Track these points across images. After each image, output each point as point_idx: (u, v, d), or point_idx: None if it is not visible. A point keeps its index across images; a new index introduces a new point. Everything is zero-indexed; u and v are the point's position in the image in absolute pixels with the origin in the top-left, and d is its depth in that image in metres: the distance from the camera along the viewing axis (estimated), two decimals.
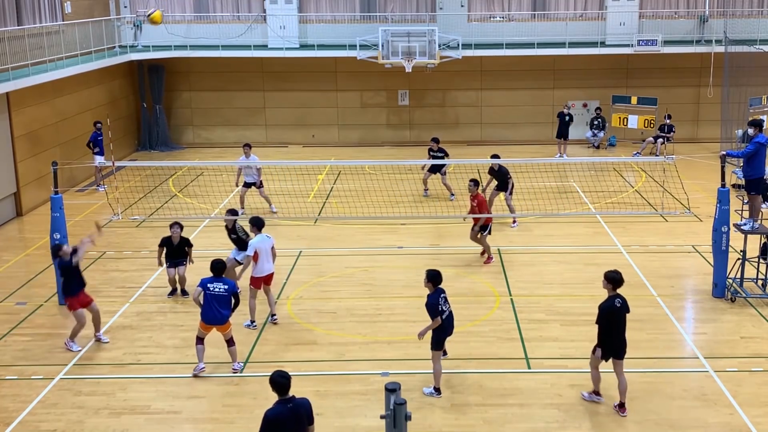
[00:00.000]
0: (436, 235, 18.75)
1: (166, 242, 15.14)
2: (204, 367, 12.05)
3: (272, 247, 13.63)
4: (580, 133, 29.47)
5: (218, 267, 11.95)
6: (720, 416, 10.69)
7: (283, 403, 7.89)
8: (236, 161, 20.88)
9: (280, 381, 7.91)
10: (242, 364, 12.24)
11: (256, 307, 13.76)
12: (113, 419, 10.84)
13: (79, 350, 12.98)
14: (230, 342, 12.08)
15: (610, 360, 10.78)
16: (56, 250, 13.27)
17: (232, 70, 29.65)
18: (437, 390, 11.31)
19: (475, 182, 16.51)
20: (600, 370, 11.00)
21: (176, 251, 15.17)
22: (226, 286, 11.83)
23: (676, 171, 18.13)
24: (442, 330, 11.14)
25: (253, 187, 20.33)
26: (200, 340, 12.07)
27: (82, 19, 25.27)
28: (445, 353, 11.83)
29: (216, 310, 11.79)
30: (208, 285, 11.82)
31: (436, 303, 11.06)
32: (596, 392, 11.07)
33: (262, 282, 13.59)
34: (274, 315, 13.89)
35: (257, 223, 13.63)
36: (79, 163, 23.79)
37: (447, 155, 21.37)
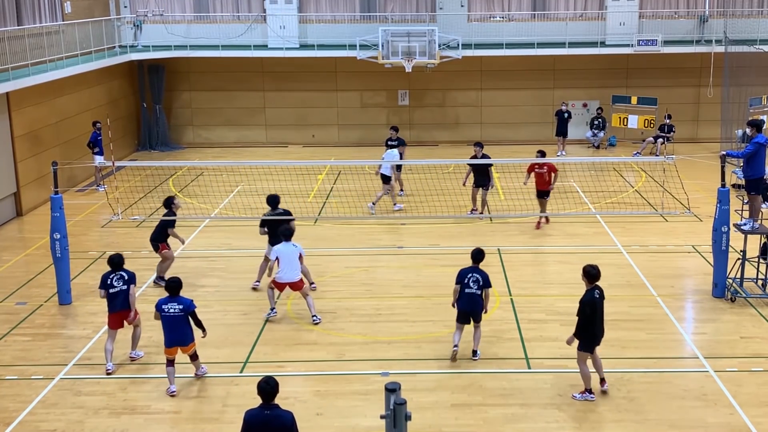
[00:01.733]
0: (436, 235, 18.76)
1: (172, 214, 15.43)
2: (175, 391, 11.42)
3: (300, 256, 13.64)
4: (581, 133, 29.49)
5: (173, 286, 11.35)
6: (720, 416, 10.69)
7: (262, 409, 8.00)
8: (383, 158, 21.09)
9: (263, 387, 8.01)
10: (205, 368, 11.89)
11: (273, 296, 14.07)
12: (113, 419, 10.84)
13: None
14: (193, 357, 11.62)
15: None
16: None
17: (232, 70, 29.65)
18: (454, 354, 12.20)
19: (542, 153, 18.68)
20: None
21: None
22: (180, 306, 11.26)
23: (676, 171, 18.11)
24: (459, 303, 12.12)
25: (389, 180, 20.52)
26: (169, 362, 11.46)
27: (82, 19, 25.27)
28: (476, 353, 12.36)
29: (173, 331, 11.25)
30: (163, 306, 11.29)
31: (463, 275, 12.07)
32: (588, 390, 11.09)
33: (284, 287, 13.73)
34: (315, 316, 13.82)
35: (284, 233, 13.75)
36: (79, 163, 23.79)
37: (405, 144, 21.46)
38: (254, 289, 15.34)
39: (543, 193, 18.79)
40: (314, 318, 13.76)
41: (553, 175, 18.59)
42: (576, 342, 11.05)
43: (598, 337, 10.98)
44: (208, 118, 30.36)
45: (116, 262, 12.47)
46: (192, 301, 11.46)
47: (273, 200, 15.19)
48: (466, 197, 20.04)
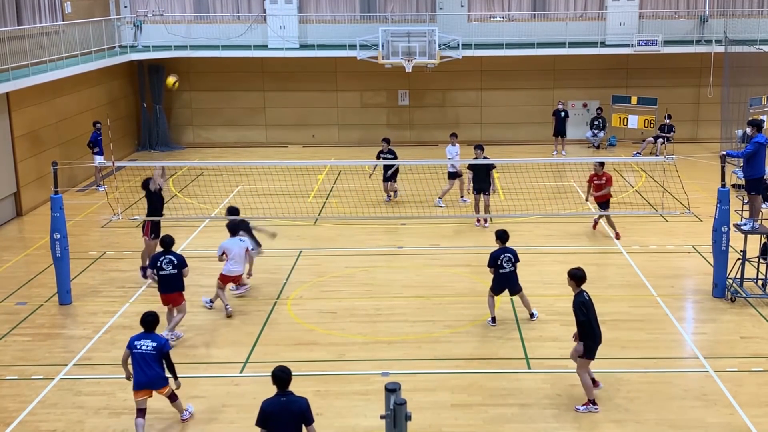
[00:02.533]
0: (436, 235, 18.75)
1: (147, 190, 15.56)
2: None
3: (246, 250, 14.35)
4: (581, 133, 29.50)
5: (149, 320, 10.26)
6: (720, 416, 10.69)
7: (278, 396, 8.38)
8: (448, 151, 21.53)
9: (279, 375, 8.39)
10: (190, 413, 10.80)
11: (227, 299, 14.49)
12: (113, 419, 10.84)
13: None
14: (172, 398, 10.50)
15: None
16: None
17: (232, 70, 29.66)
18: (493, 319, 13.55)
19: (602, 163, 18.12)
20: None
21: (159, 204, 15.61)
22: (154, 344, 10.12)
23: (676, 171, 18.10)
24: (496, 281, 13.42)
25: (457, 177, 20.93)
26: (140, 413, 10.19)
27: (82, 19, 25.27)
28: (533, 315, 13.75)
29: (144, 372, 10.06)
30: (135, 343, 10.13)
31: (496, 257, 13.31)
32: (591, 401, 10.84)
33: (229, 280, 14.39)
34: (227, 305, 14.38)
35: (230, 229, 14.50)
36: (79, 163, 23.80)
37: (396, 158, 20.76)
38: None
39: (600, 205, 18.23)
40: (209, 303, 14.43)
41: (608, 187, 18.05)
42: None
43: (599, 340, 10.76)
44: (208, 118, 30.36)
45: (167, 242, 12.99)
46: (168, 341, 10.46)
47: (232, 212, 15.52)
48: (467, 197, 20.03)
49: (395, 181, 21.22)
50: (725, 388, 11.38)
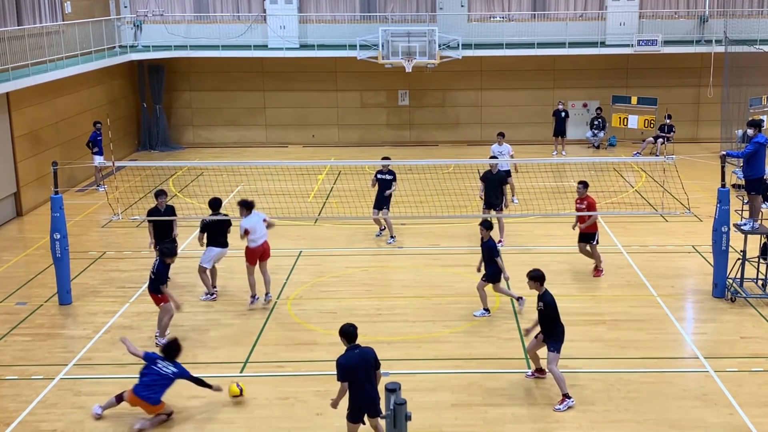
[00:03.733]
0: (436, 235, 18.76)
1: (153, 212, 15.27)
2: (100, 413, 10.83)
3: (265, 220, 14.39)
4: (581, 133, 29.49)
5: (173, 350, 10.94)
6: (720, 416, 10.69)
7: (351, 350, 9.40)
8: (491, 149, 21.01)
9: (348, 330, 9.45)
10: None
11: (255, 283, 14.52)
12: (113, 419, 10.84)
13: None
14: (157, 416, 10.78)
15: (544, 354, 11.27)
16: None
17: (232, 70, 29.66)
18: (487, 310, 13.93)
19: (585, 184, 15.64)
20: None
21: (164, 225, 15.24)
22: (176, 370, 10.76)
23: (676, 171, 18.10)
24: (497, 267, 13.74)
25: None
26: (120, 397, 10.83)
27: (82, 19, 25.27)
28: (488, 311, 13.98)
29: (152, 389, 10.62)
30: (158, 361, 10.79)
31: (494, 245, 13.79)
32: (566, 395, 10.90)
33: (258, 252, 14.24)
34: (268, 294, 14.49)
35: (245, 205, 14.33)
36: (79, 163, 23.80)
37: (395, 179, 17.93)
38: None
39: (584, 237, 15.78)
40: (267, 296, 14.51)
41: (593, 215, 15.58)
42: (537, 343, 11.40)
43: (563, 336, 11.11)
44: (208, 119, 30.36)
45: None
46: (186, 369, 10.97)
47: (215, 204, 15.10)
48: (466, 197, 20.03)
49: (389, 208, 18.08)
50: (725, 388, 11.38)
